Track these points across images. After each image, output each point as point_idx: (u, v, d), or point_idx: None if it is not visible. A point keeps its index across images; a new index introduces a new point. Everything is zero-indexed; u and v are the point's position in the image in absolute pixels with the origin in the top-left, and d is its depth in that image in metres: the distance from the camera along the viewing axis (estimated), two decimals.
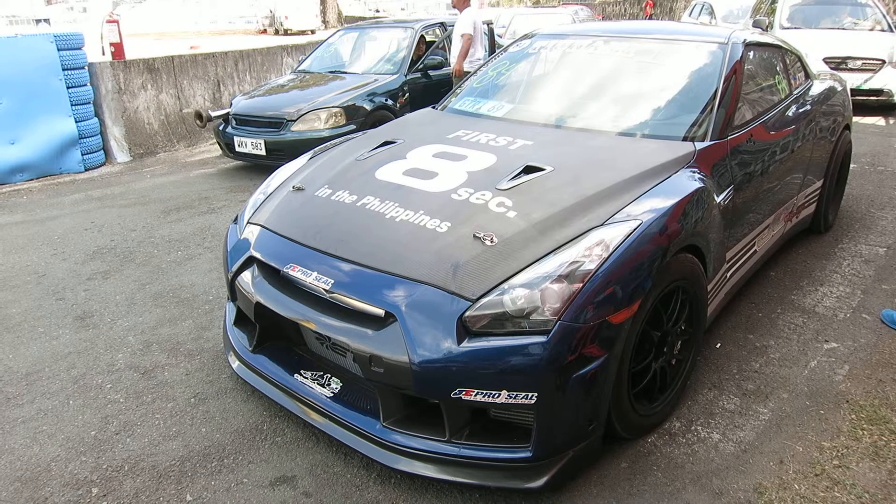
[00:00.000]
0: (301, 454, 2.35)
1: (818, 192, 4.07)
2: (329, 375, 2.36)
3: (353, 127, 5.95)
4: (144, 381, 2.82)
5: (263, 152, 6.08)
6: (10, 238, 4.67)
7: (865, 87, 8.41)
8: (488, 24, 6.58)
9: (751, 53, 3.32)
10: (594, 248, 2.05)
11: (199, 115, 6.58)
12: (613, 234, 2.11)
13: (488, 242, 2.13)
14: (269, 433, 2.46)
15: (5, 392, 2.76)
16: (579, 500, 2.11)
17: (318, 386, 2.32)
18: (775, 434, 2.42)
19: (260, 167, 6.37)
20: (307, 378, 2.37)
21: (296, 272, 2.28)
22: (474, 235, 2.17)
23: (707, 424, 2.48)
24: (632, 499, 2.12)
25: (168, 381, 2.81)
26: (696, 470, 2.24)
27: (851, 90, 5.07)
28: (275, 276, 2.42)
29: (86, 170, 6.65)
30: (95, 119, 6.80)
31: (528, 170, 2.53)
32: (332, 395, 2.28)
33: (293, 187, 2.77)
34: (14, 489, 2.21)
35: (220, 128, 6.45)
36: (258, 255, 2.48)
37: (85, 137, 6.62)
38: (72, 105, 6.47)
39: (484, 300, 1.97)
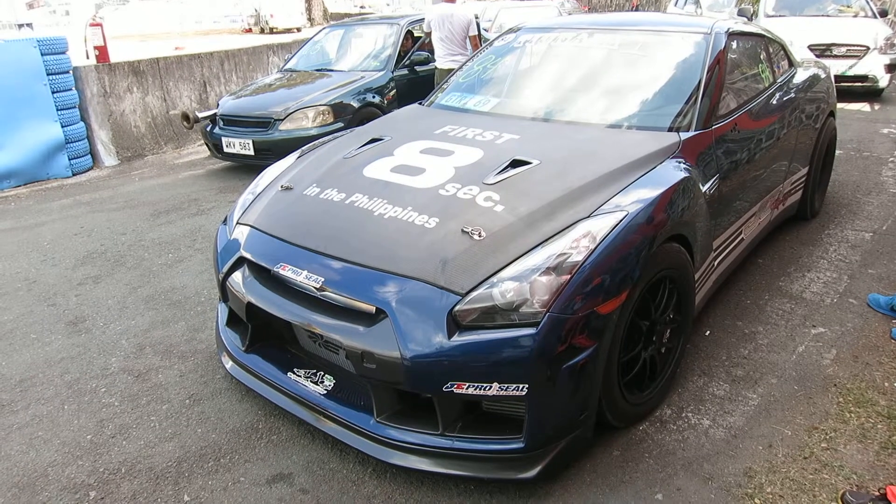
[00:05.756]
0: (297, 451, 2.36)
1: (804, 178, 4.11)
2: (322, 373, 2.38)
3: (340, 125, 5.95)
4: (139, 383, 2.82)
5: (252, 152, 6.07)
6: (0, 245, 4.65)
7: (850, 73, 8.47)
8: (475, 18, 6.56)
9: (734, 43, 3.35)
10: (581, 240, 2.07)
11: (186, 117, 6.55)
12: (600, 226, 2.13)
13: (476, 237, 2.15)
14: (265, 432, 2.47)
15: (0, 399, 2.77)
16: (572, 489, 2.14)
17: (312, 383, 2.34)
18: (764, 419, 2.45)
19: (248, 167, 6.35)
20: (300, 376, 2.38)
21: (286, 271, 2.29)
22: (462, 230, 2.19)
23: (697, 411, 2.51)
24: (624, 486, 2.15)
25: (162, 384, 2.81)
26: (687, 456, 2.27)
27: (836, 76, 5.13)
28: (266, 276, 2.43)
29: (73, 174, 6.62)
30: (82, 123, 6.76)
31: (515, 163, 2.55)
32: (325, 392, 2.30)
33: (282, 187, 2.78)
34: (11, 495, 2.22)
35: (208, 129, 6.43)
36: (248, 256, 2.49)
37: (71, 142, 6.59)
38: (57, 110, 6.44)
39: (473, 294, 1.99)
